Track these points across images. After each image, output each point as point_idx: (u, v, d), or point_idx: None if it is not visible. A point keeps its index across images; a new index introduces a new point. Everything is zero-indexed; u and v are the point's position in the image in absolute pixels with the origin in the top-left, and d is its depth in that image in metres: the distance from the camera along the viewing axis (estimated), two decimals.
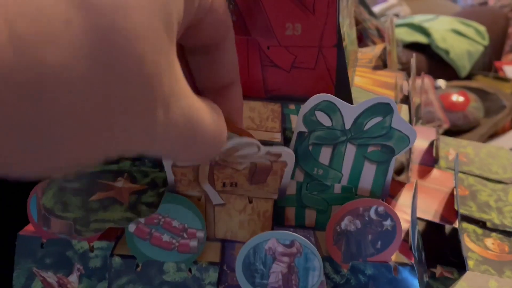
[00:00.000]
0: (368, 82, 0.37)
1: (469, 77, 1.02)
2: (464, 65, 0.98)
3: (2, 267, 0.31)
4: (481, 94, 0.90)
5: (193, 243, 0.28)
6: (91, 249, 0.30)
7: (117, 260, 0.28)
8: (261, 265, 0.25)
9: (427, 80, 0.86)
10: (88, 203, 0.26)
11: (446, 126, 0.82)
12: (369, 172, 0.29)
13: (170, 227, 0.27)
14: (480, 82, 0.98)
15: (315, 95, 0.27)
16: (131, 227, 0.27)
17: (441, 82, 0.91)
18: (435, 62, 1.00)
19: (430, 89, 0.84)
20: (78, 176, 0.28)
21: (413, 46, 0.99)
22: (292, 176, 0.29)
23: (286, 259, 0.25)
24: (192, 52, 0.21)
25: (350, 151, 0.28)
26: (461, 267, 0.34)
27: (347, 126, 0.28)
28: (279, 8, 0.29)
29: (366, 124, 0.27)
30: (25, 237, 0.29)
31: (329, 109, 0.27)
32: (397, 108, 0.27)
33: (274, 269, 0.26)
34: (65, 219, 0.25)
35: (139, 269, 0.28)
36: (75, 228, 0.24)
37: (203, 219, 0.28)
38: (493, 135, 0.84)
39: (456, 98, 0.86)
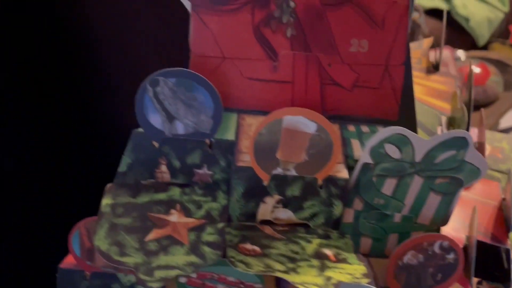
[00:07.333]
0: (421, 91, 0.35)
1: (486, 44, 0.98)
2: (483, 34, 0.95)
3: None
4: (500, 66, 0.88)
5: None
6: None
7: None
8: None
9: (447, 52, 0.82)
10: (146, 244, 0.24)
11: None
12: (433, 202, 0.27)
13: (225, 281, 0.26)
14: (498, 51, 0.95)
15: (387, 128, 0.25)
16: (182, 279, 0.26)
17: (460, 53, 0.88)
18: (453, 29, 0.96)
19: (450, 61, 0.81)
20: (128, 209, 0.26)
21: (431, 12, 0.95)
22: (350, 204, 0.28)
23: None
24: None
25: (417, 182, 0.26)
26: (506, 280, 0.34)
27: (417, 159, 0.26)
28: (345, 22, 0.26)
29: (438, 157, 0.25)
30: (66, 270, 0.28)
31: (400, 141, 0.25)
32: (472, 141, 0.25)
33: None
34: (125, 265, 0.23)
35: None
36: (139, 278, 0.22)
37: (262, 277, 0.26)
38: None
39: (476, 71, 0.83)
